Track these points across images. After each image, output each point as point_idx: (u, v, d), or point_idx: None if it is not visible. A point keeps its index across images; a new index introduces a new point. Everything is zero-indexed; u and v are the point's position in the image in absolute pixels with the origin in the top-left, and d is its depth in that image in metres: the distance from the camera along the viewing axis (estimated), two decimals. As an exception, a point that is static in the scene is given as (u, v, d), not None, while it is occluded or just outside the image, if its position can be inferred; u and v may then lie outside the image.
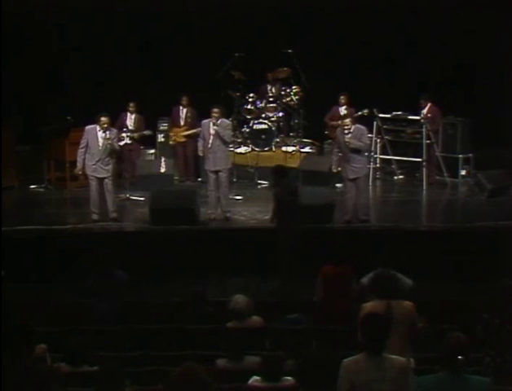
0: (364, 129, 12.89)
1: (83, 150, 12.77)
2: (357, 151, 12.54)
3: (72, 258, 11.27)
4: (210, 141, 12.95)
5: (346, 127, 12.62)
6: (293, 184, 11.85)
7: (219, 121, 13.01)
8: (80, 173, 13.13)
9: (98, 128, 12.72)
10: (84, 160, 12.79)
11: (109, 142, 12.72)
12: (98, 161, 12.72)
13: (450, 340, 5.61)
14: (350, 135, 12.50)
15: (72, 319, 9.03)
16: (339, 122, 15.17)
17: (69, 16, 15.85)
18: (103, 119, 12.71)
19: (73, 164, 14.81)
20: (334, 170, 14.71)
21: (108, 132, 12.76)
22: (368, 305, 6.85)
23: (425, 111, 15.19)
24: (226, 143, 13.25)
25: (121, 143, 14.39)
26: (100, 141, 12.72)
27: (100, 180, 12.80)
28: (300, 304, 9.20)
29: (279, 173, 11.59)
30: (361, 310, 6.87)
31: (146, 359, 7.85)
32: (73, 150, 14.67)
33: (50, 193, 14.86)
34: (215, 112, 12.99)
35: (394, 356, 5.77)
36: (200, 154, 13.30)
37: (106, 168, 12.81)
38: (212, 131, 12.95)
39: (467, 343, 5.60)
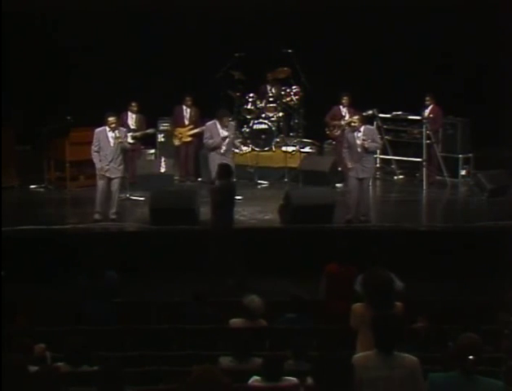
0: (374, 128, 13.09)
1: (97, 153, 12.80)
2: (369, 150, 12.57)
3: (72, 258, 11.26)
4: (224, 147, 13.01)
5: (353, 124, 12.61)
6: (233, 186, 11.82)
7: (227, 124, 13.20)
8: (104, 173, 12.86)
9: (107, 129, 12.78)
10: (100, 161, 12.82)
11: (120, 140, 12.78)
12: (111, 162, 12.79)
13: (462, 340, 5.59)
14: (360, 135, 12.47)
15: (72, 319, 9.02)
16: (341, 122, 15.25)
17: (70, 16, 15.85)
18: (110, 119, 12.78)
19: (73, 164, 14.90)
20: (340, 169, 14.66)
21: (117, 131, 12.83)
22: (358, 306, 6.83)
23: (427, 110, 15.21)
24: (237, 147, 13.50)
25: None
26: (111, 141, 12.79)
27: (110, 180, 12.82)
28: (300, 304, 9.16)
29: (224, 172, 11.57)
30: (352, 311, 6.85)
31: (146, 359, 7.84)
32: (73, 150, 14.73)
33: (50, 193, 14.86)
34: (227, 121, 13.20)
35: (405, 354, 5.76)
36: (219, 144, 13.17)
37: (119, 168, 12.91)
38: (223, 134, 13.05)
39: (480, 343, 5.58)
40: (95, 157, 12.82)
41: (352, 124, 12.68)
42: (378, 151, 15.60)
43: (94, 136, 12.86)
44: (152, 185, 14.04)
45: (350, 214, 12.66)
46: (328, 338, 8.29)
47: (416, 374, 5.68)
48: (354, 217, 12.63)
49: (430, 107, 15.23)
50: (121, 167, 12.98)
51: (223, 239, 11.24)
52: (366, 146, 12.42)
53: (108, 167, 12.79)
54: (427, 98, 15.22)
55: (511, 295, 8.44)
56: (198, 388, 4.68)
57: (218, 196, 11.28)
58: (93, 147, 12.83)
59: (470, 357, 5.44)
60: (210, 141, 13.24)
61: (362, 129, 12.55)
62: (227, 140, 13.06)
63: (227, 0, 16.15)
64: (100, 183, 12.86)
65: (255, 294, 8.82)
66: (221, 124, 13.10)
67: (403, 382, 5.62)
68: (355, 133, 12.51)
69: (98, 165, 12.81)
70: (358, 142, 12.46)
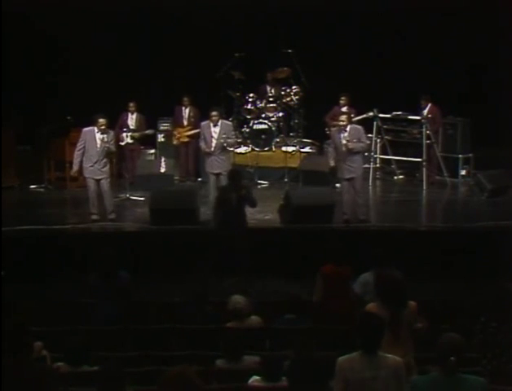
0: (361, 128, 12.76)
1: (80, 152, 12.73)
2: (354, 151, 12.44)
3: (72, 258, 11.28)
4: (213, 144, 12.99)
5: (341, 123, 12.55)
6: (246, 189, 11.83)
7: (220, 123, 13.10)
8: (76, 175, 13.12)
9: (96, 130, 12.71)
10: (81, 162, 12.76)
11: (107, 144, 12.71)
12: (95, 163, 12.69)
13: (444, 340, 5.62)
14: (346, 134, 12.43)
15: (72, 319, 9.03)
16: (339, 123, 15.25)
17: (69, 16, 15.84)
18: (100, 120, 12.69)
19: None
20: (331, 164, 14.56)
21: (106, 134, 12.75)
22: (371, 307, 6.83)
23: (425, 111, 15.20)
24: (231, 146, 13.43)
25: (123, 143, 14.40)
26: (98, 143, 12.70)
27: (97, 181, 12.79)
28: (300, 304, 9.17)
29: (235, 177, 11.57)
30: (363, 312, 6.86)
31: (146, 359, 7.84)
32: (73, 150, 14.65)
33: (50, 193, 14.86)
34: (214, 116, 13.06)
35: (389, 355, 5.78)
36: (208, 150, 13.05)
37: (103, 169, 12.78)
38: (214, 134, 13.02)
39: (461, 343, 5.60)
40: (77, 157, 12.73)
41: (340, 122, 12.61)
42: (378, 151, 15.64)
43: (81, 135, 12.79)
44: (152, 185, 14.03)
45: (346, 215, 12.66)
46: (326, 338, 8.29)
47: (399, 374, 5.70)
48: (351, 217, 12.62)
49: (427, 108, 15.23)
50: (106, 169, 12.82)
51: (236, 240, 11.25)
52: (350, 146, 12.36)
53: (91, 168, 12.70)
54: (422, 101, 15.20)
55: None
56: (171, 389, 4.69)
57: (232, 201, 11.29)
58: (78, 145, 12.76)
59: (452, 358, 5.46)
60: (201, 143, 13.24)
61: (348, 128, 12.50)
62: (214, 140, 13.00)
63: (227, 0, 16.14)
64: (90, 185, 12.78)
65: (240, 294, 8.83)
66: (211, 122, 13.10)
67: (387, 382, 5.65)
68: (341, 133, 12.49)
69: (75, 166, 12.78)
70: (343, 141, 12.43)
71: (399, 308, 6.65)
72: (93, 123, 12.74)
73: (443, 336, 5.65)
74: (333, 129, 13.23)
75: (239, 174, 11.87)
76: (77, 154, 12.79)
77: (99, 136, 12.71)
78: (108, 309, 9.05)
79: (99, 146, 12.70)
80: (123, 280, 9.21)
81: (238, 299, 8.69)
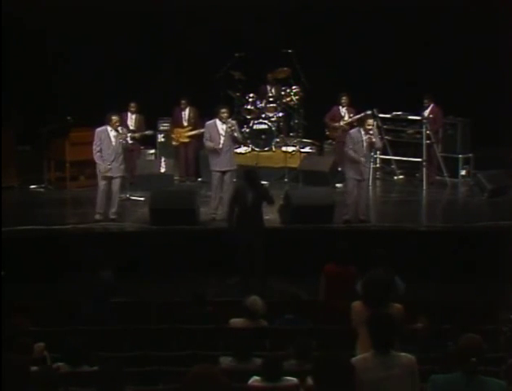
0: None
1: (99, 153, 12.71)
2: (375, 147, 12.82)
3: (72, 258, 11.26)
4: (221, 141, 12.96)
5: (368, 126, 12.57)
6: (264, 187, 11.78)
7: (228, 121, 13.13)
8: (108, 171, 12.79)
9: (109, 128, 12.76)
10: (103, 161, 12.76)
11: (122, 138, 12.78)
12: (113, 161, 12.75)
13: (463, 341, 5.59)
14: (372, 132, 12.54)
15: (72, 319, 9.03)
16: (341, 123, 15.28)
17: (69, 16, 15.83)
18: (114, 118, 12.79)
19: (73, 164, 14.90)
20: (340, 169, 14.64)
21: (120, 128, 12.89)
22: (357, 304, 6.85)
23: (427, 111, 15.20)
24: (239, 143, 13.57)
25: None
26: (113, 140, 12.75)
27: (111, 180, 12.80)
28: (300, 304, 9.17)
29: (251, 176, 11.46)
30: (351, 309, 6.86)
31: (146, 359, 7.85)
32: (73, 150, 14.75)
33: (50, 193, 14.85)
34: (224, 113, 13.04)
35: (402, 354, 5.77)
36: (216, 146, 12.90)
37: (120, 167, 12.88)
38: (222, 131, 12.99)
39: (481, 344, 5.57)
40: (99, 158, 12.75)
41: (368, 126, 12.60)
42: (378, 152, 15.64)
43: (96, 136, 12.79)
44: (152, 185, 14.05)
45: (348, 215, 12.63)
46: (328, 338, 8.28)
47: (413, 372, 5.70)
48: (352, 217, 12.61)
49: (429, 108, 15.23)
50: (123, 166, 12.95)
51: (255, 240, 11.20)
52: (374, 140, 12.48)
53: (110, 166, 12.74)
54: (426, 100, 15.22)
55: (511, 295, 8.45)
56: (196, 387, 4.68)
57: (248, 199, 11.23)
58: (95, 147, 12.74)
59: (473, 359, 5.43)
60: (206, 142, 13.18)
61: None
62: (223, 138, 12.99)
63: (227, 0, 16.14)
64: (102, 184, 12.79)
65: (256, 295, 8.84)
66: (219, 119, 13.05)
67: (402, 381, 5.64)
68: (363, 133, 12.51)
69: (101, 166, 12.74)
70: (365, 143, 12.46)
71: (379, 308, 6.63)
72: (106, 122, 12.80)
73: (463, 337, 5.62)
74: (353, 130, 13.22)
75: (255, 173, 11.73)
76: (97, 156, 12.73)
77: (113, 134, 12.77)
78: (91, 309, 9.03)
79: (114, 143, 12.75)
80: (107, 280, 9.16)
81: (256, 299, 8.73)
